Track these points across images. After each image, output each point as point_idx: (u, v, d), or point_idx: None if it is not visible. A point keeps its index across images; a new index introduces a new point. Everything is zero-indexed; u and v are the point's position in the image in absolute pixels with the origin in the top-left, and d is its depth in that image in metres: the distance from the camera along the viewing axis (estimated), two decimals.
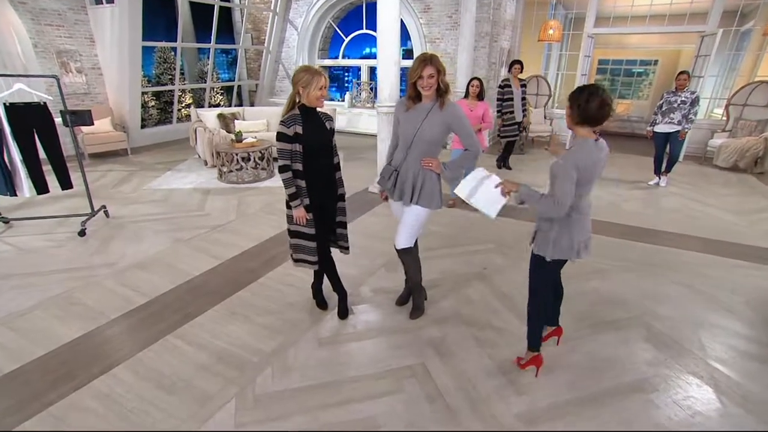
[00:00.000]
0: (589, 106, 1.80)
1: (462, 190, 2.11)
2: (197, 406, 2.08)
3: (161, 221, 4.40)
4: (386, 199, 2.70)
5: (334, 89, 11.64)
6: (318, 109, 2.39)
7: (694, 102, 5.39)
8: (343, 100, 9.78)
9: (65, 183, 4.01)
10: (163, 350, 2.48)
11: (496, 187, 2.06)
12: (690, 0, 7.52)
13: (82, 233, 3.95)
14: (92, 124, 4.04)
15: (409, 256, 2.63)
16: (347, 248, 2.75)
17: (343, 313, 2.82)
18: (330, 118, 2.47)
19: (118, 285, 3.17)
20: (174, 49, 8.44)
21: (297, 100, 2.33)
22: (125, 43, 6.78)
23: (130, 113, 7.39)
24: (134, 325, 2.72)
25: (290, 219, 2.51)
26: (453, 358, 2.43)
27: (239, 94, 10.49)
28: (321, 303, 2.92)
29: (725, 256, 3.70)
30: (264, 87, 10.27)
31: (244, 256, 3.67)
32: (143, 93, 8.13)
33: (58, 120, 3.93)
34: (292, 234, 2.56)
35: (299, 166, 2.36)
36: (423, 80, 2.21)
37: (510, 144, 6.46)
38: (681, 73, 5.48)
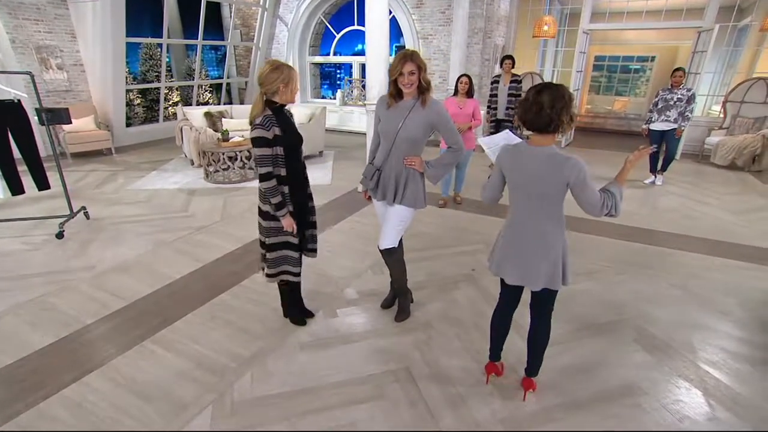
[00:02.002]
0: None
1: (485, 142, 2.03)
2: (173, 413, 2.01)
3: (143, 223, 4.30)
4: (369, 198, 2.62)
5: (325, 87, 11.53)
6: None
7: (691, 99, 5.34)
8: (335, 98, 9.68)
9: (42, 183, 3.90)
10: (139, 357, 2.40)
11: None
12: None
13: (60, 235, 3.84)
14: (70, 122, 3.93)
15: (393, 257, 2.56)
16: (316, 250, 2.59)
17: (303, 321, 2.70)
18: (290, 112, 2.34)
19: (95, 289, 3.07)
20: (160, 45, 8.29)
21: (265, 99, 2.14)
22: (108, 39, 6.65)
23: (114, 111, 7.26)
24: (110, 330, 2.63)
25: (272, 231, 2.32)
26: (437, 362, 2.36)
27: (229, 92, 10.37)
28: (301, 317, 2.71)
29: (722, 256, 3.64)
30: (254, 84, 10.15)
31: (228, 258, 3.58)
32: (128, 91, 8.01)
33: (35, 118, 3.82)
34: (275, 247, 2.35)
35: (282, 171, 2.20)
36: (404, 77, 2.14)
37: None
38: (677, 69, 5.43)
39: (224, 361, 2.35)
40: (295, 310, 2.71)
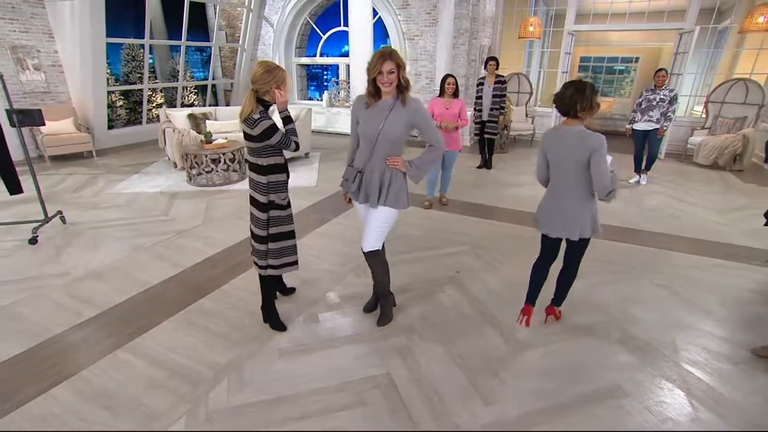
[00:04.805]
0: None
1: None
2: (143, 426, 1.93)
3: (122, 227, 4.19)
4: (350, 201, 2.58)
5: (312, 88, 11.45)
6: None
7: (673, 100, 5.39)
8: (322, 100, 9.60)
9: (14, 187, 3.76)
10: (111, 367, 2.31)
11: None
12: None
13: (33, 241, 3.71)
14: (43, 124, 3.80)
15: (376, 260, 2.52)
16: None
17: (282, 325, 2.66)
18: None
19: (68, 297, 2.96)
20: (143, 46, 8.14)
21: (256, 97, 2.25)
22: (87, 39, 6.48)
23: (94, 113, 7.09)
24: (81, 340, 2.53)
25: (278, 221, 2.43)
26: (419, 366, 2.31)
27: (215, 94, 10.23)
28: (281, 324, 2.64)
29: (705, 255, 3.66)
30: (239, 86, 10.02)
31: (208, 262, 3.49)
32: (110, 92, 7.83)
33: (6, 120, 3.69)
34: (278, 237, 2.45)
35: (281, 159, 2.37)
36: (383, 76, 2.09)
37: (490, 142, 6.36)
38: (659, 70, 5.48)
39: (200, 370, 2.28)
40: (275, 313, 2.65)
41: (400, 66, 2.10)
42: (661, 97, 5.38)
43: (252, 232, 2.50)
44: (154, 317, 2.74)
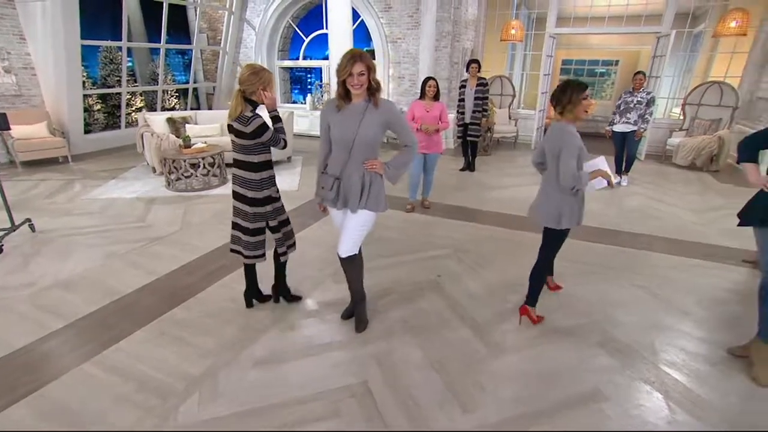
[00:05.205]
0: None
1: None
2: None
3: (95, 234, 4.05)
4: (325, 210, 2.54)
5: (296, 91, 11.36)
6: None
7: (650, 102, 5.47)
8: (305, 103, 9.53)
9: None
10: (75, 381, 2.20)
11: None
12: (645, 2, 7.70)
13: None
14: (8, 128, 3.66)
15: (353, 264, 2.48)
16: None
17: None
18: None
19: (33, 308, 2.84)
20: (121, 48, 7.96)
21: (243, 97, 2.38)
22: (60, 41, 6.31)
23: (70, 117, 6.89)
24: (44, 354, 2.42)
25: (281, 210, 2.65)
26: (397, 374, 2.26)
27: (197, 97, 10.07)
28: (265, 296, 2.93)
29: (684, 255, 3.69)
30: (222, 89, 9.88)
31: (184, 269, 3.39)
32: (87, 96, 7.63)
33: None
34: (285, 223, 2.70)
35: (271, 156, 2.53)
36: (353, 78, 2.05)
37: (473, 145, 6.37)
38: (637, 73, 5.57)
39: (170, 382, 2.20)
40: (255, 290, 2.87)
41: (370, 68, 2.06)
42: (639, 99, 5.46)
43: (240, 227, 2.60)
44: (125, 328, 2.64)
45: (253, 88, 2.34)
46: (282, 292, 2.91)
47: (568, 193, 2.35)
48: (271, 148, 2.51)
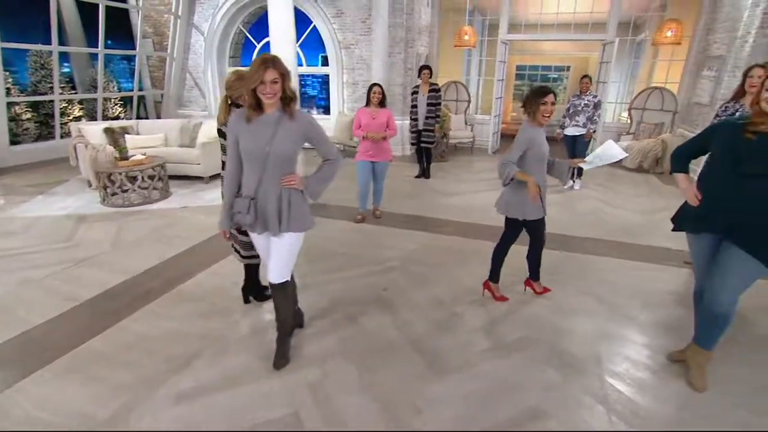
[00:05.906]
0: None
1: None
2: None
3: (11, 258, 3.65)
4: (229, 238, 2.35)
5: None
6: None
7: (597, 105, 5.61)
8: None
9: None
10: None
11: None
12: (591, 10, 7.96)
13: None
14: None
15: (284, 292, 2.28)
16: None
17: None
18: None
19: None
20: (52, 53, 7.40)
21: (230, 103, 2.47)
22: None
23: None
24: None
25: None
26: (331, 403, 2.08)
27: (144, 106, 9.55)
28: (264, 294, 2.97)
29: (629, 258, 3.73)
30: (170, 97, 9.42)
31: (108, 294, 3.08)
32: (14, 104, 7.03)
33: None
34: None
35: None
36: (265, 86, 1.86)
37: (427, 151, 6.31)
38: (584, 77, 5.71)
39: (71, 428, 1.93)
40: (258, 287, 2.95)
41: (284, 75, 1.88)
42: (586, 102, 5.59)
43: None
44: (28, 366, 2.33)
45: (240, 92, 2.27)
46: (252, 292, 2.94)
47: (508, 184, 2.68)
48: None
